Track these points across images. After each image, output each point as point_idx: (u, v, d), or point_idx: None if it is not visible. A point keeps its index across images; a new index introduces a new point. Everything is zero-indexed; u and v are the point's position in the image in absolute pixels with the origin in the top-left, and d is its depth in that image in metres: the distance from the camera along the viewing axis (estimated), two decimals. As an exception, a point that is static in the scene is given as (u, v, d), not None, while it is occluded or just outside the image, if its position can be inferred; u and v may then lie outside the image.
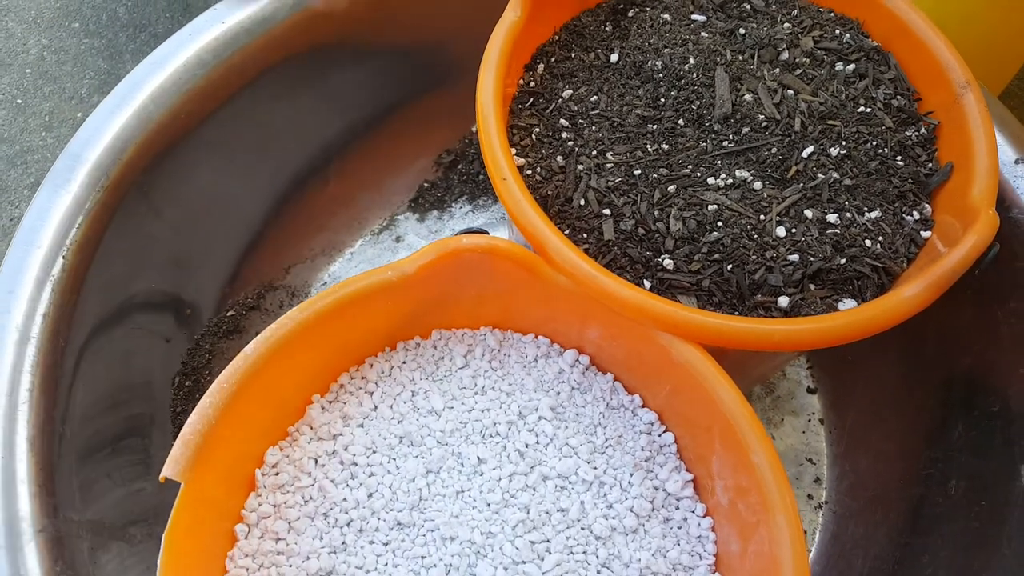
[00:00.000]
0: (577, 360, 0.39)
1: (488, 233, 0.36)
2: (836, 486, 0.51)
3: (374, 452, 0.37)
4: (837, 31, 0.42)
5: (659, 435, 0.37)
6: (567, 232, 0.37)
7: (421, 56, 0.58)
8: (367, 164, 0.61)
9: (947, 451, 0.44)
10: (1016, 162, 0.41)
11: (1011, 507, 0.39)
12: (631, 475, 0.36)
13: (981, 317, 0.42)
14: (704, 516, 0.35)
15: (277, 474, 0.36)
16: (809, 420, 0.54)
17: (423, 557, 0.34)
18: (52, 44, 0.95)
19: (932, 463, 0.45)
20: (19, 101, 0.91)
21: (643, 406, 0.38)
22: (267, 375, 0.35)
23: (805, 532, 0.50)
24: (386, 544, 0.35)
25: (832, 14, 0.43)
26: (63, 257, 0.43)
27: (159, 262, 0.51)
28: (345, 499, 0.35)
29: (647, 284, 0.36)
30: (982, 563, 0.39)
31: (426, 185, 0.63)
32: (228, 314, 0.57)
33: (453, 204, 0.63)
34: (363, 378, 0.39)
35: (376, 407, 0.38)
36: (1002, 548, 0.38)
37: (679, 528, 0.35)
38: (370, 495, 0.36)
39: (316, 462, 0.37)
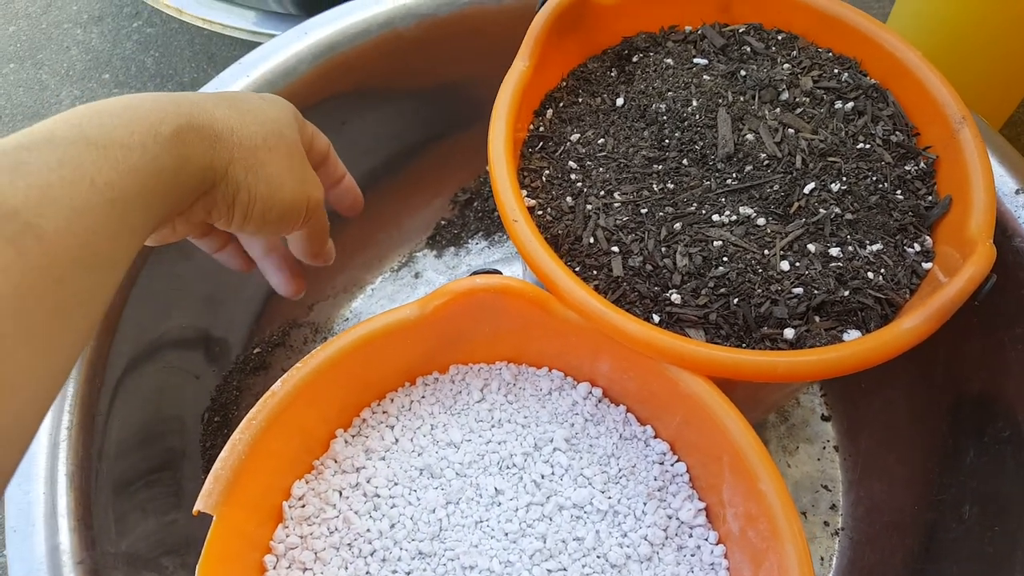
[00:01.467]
0: (590, 393, 0.40)
1: (501, 272, 0.37)
2: (852, 512, 0.52)
3: (396, 484, 0.38)
4: (836, 70, 0.44)
5: (671, 465, 0.38)
6: (577, 269, 0.39)
7: (435, 102, 0.60)
8: (387, 205, 0.63)
9: (960, 476, 0.45)
10: (1017, 192, 0.43)
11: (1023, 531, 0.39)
12: (645, 504, 0.37)
13: (988, 343, 0.43)
14: (717, 544, 0.36)
15: (303, 506, 0.38)
16: (824, 447, 0.55)
17: None
18: (84, 95, 0.99)
19: (945, 488, 0.45)
20: None
21: (655, 437, 0.39)
22: (293, 411, 0.37)
23: (823, 559, 0.50)
24: (408, 573, 0.36)
25: (831, 54, 0.45)
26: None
27: (189, 303, 0.53)
28: (369, 530, 0.37)
29: (656, 319, 0.37)
30: None
31: (443, 223, 0.65)
32: (255, 351, 0.59)
33: (469, 240, 0.65)
34: (384, 412, 0.41)
35: (397, 440, 0.40)
36: (1015, 572, 0.39)
37: (692, 555, 0.36)
38: (392, 526, 0.37)
39: (340, 494, 0.38)
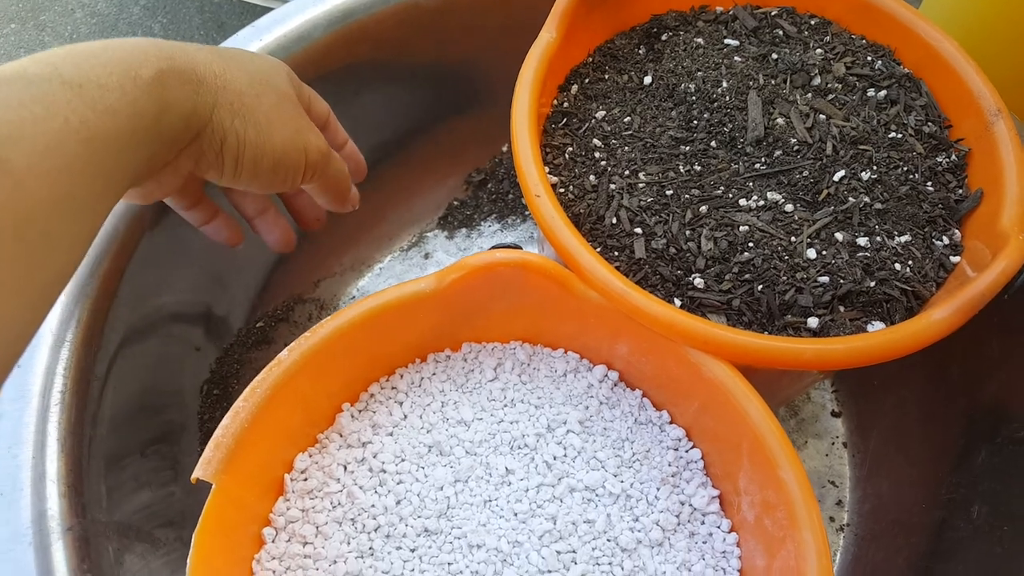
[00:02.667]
0: (606, 376, 0.40)
1: (521, 248, 0.37)
2: (858, 509, 0.52)
3: (403, 460, 0.38)
4: (869, 58, 0.43)
5: (686, 451, 0.38)
6: (599, 250, 0.38)
7: (452, 78, 0.60)
8: (398, 182, 0.62)
9: (970, 476, 0.44)
10: None
11: None
12: (658, 489, 0.37)
13: (1006, 344, 0.43)
14: (729, 532, 0.36)
15: (306, 480, 0.37)
16: (833, 443, 0.54)
17: (450, 564, 0.35)
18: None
19: (955, 488, 0.45)
20: None
21: (671, 422, 0.39)
22: (299, 382, 0.36)
23: None
24: (413, 550, 0.36)
25: (864, 41, 0.44)
26: (100, 264, 0.45)
27: (191, 271, 0.52)
28: (373, 505, 0.36)
29: (677, 302, 0.37)
30: None
31: (455, 203, 0.64)
32: (257, 325, 0.58)
33: (482, 223, 0.64)
34: (393, 388, 0.40)
35: (406, 416, 0.39)
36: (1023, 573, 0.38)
37: (704, 543, 0.36)
38: (398, 502, 0.37)
39: (345, 468, 0.38)
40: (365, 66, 0.56)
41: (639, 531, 0.36)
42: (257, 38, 0.51)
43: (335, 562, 0.35)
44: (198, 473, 0.32)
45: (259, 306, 0.59)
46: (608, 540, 0.35)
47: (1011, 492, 0.41)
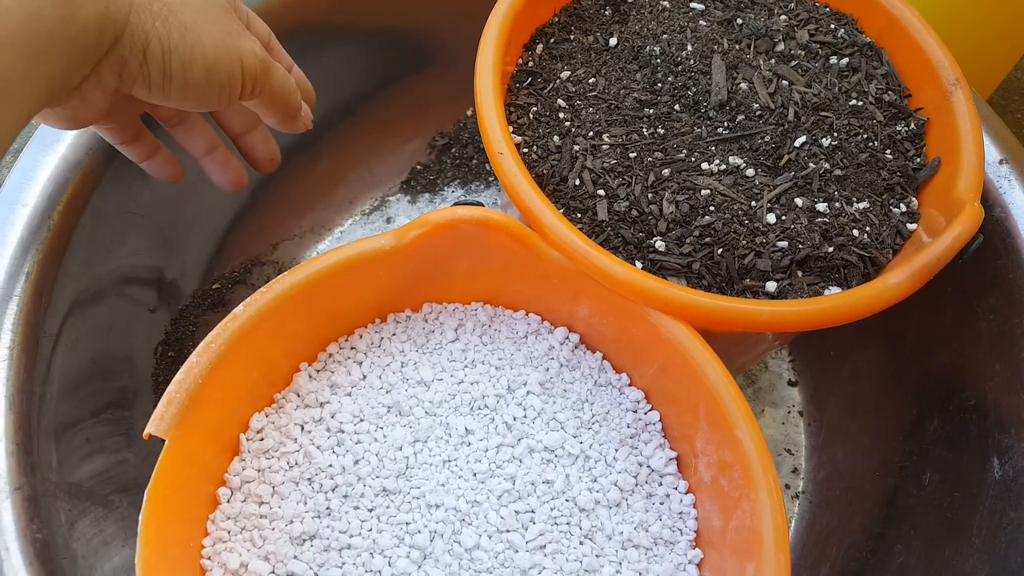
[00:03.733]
0: (567, 338, 0.40)
1: (484, 205, 0.36)
2: (813, 477, 0.52)
3: (361, 420, 0.37)
4: (832, 25, 0.43)
5: (645, 413, 0.38)
6: (562, 211, 0.38)
7: (415, 36, 0.58)
8: (359, 143, 0.61)
9: (922, 444, 0.45)
10: (1000, 162, 0.43)
11: (982, 498, 0.40)
12: (616, 451, 0.37)
13: (961, 314, 0.44)
14: (686, 493, 0.36)
15: (262, 439, 0.37)
16: (789, 412, 0.55)
17: (408, 523, 0.35)
18: None
19: (908, 456, 0.46)
20: None
21: (630, 385, 0.39)
22: (255, 339, 0.35)
23: None
24: (371, 510, 0.35)
25: (828, 9, 0.44)
26: (50, 217, 0.43)
27: (146, 230, 0.51)
28: (331, 465, 0.36)
29: (639, 265, 0.37)
30: (952, 551, 0.40)
31: (419, 167, 0.64)
32: (213, 287, 0.57)
33: (445, 188, 0.63)
34: (352, 348, 0.40)
35: (365, 376, 0.39)
36: (972, 537, 0.39)
37: (661, 504, 0.36)
38: (356, 462, 0.36)
39: (302, 428, 0.37)
40: (325, 22, 0.54)
41: (597, 491, 0.36)
42: None
43: (291, 522, 0.35)
44: (150, 429, 0.31)
45: (215, 268, 0.58)
46: (566, 500, 0.35)
47: (961, 460, 0.42)
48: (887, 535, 0.45)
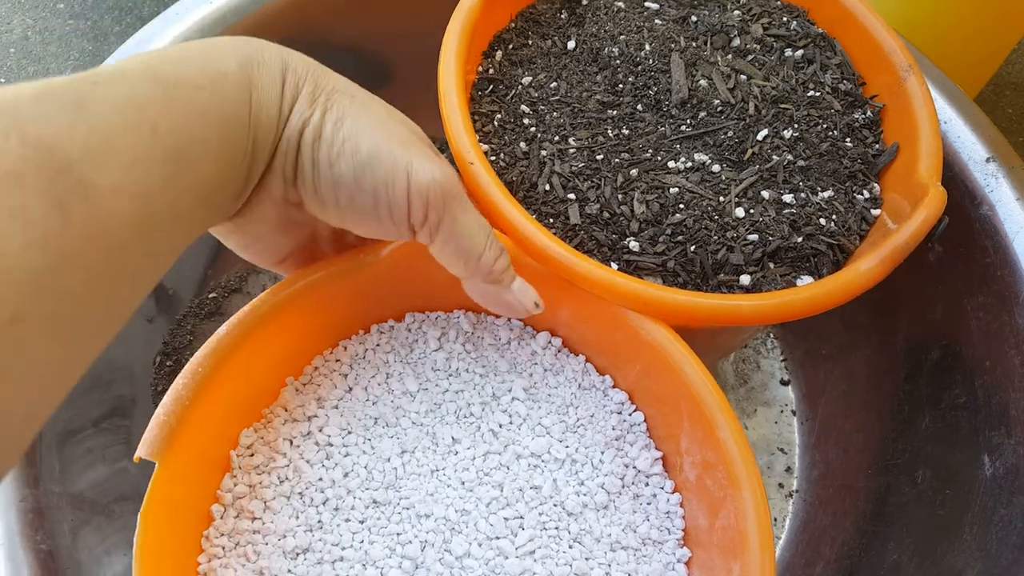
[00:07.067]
0: (550, 342, 0.37)
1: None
2: (807, 475, 0.50)
3: (349, 433, 0.35)
4: (784, 18, 0.40)
5: (629, 414, 0.35)
6: (534, 217, 0.35)
7: (374, 52, 0.54)
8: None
9: (914, 442, 0.43)
10: (987, 160, 0.40)
11: (973, 495, 0.39)
12: (602, 453, 0.34)
13: (950, 312, 0.42)
14: (673, 492, 0.34)
15: (252, 455, 0.34)
16: (782, 411, 0.52)
17: (399, 534, 0.32)
18: (36, 24, 0.88)
19: (900, 453, 0.44)
20: (2, 80, 0.84)
21: (614, 386, 0.36)
22: (240, 357, 0.33)
23: (776, 520, 0.48)
24: (362, 522, 0.33)
25: (779, 2, 0.42)
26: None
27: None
28: (320, 479, 0.34)
29: (614, 266, 0.34)
30: (944, 549, 0.39)
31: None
32: (210, 296, 0.54)
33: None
34: (337, 361, 0.37)
35: (351, 389, 0.36)
36: (964, 535, 0.38)
37: (648, 504, 0.34)
38: (346, 474, 0.34)
39: (291, 443, 0.34)
40: (317, 33, 0.51)
41: (585, 495, 0.33)
42: (208, 1, 0.45)
43: (284, 536, 0.33)
44: (140, 453, 0.30)
45: (212, 277, 0.55)
46: (554, 505, 0.33)
47: (953, 457, 0.41)
48: (880, 533, 0.43)
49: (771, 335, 0.56)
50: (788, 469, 0.51)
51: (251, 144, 0.25)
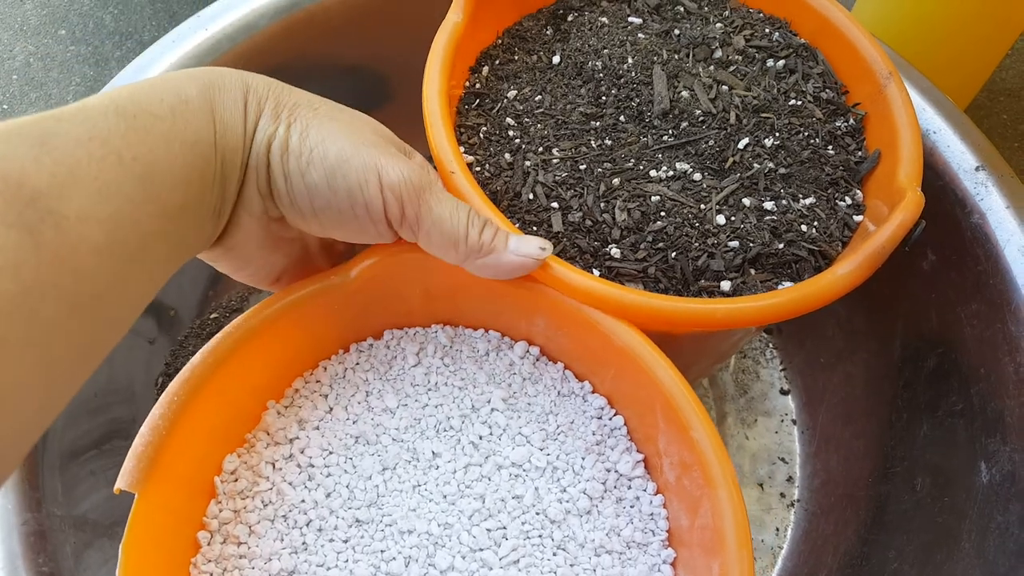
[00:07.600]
0: (527, 352, 0.36)
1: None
2: (808, 485, 0.49)
3: (330, 453, 0.34)
4: (767, 30, 0.40)
5: (609, 418, 0.35)
6: (518, 225, 0.35)
7: (374, 70, 0.55)
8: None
9: (913, 449, 0.43)
10: (977, 169, 0.40)
11: (971, 502, 0.38)
12: (583, 459, 0.34)
13: (945, 320, 0.42)
14: (655, 494, 0.33)
15: (236, 480, 0.34)
16: (782, 420, 0.51)
17: (382, 551, 0.32)
18: (38, 51, 0.90)
19: (899, 461, 0.43)
20: (4, 107, 0.86)
21: (593, 392, 0.36)
22: (218, 383, 0.33)
23: (778, 530, 0.47)
24: (346, 541, 0.32)
25: (761, 14, 0.42)
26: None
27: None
28: (303, 500, 0.33)
29: (596, 273, 0.34)
30: (944, 556, 0.38)
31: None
32: (212, 316, 0.54)
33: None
34: (317, 381, 0.37)
35: (331, 409, 0.36)
36: (962, 542, 0.37)
37: (631, 507, 0.33)
38: (328, 495, 0.33)
39: (273, 466, 0.34)
40: (317, 55, 0.51)
41: (567, 501, 0.33)
42: (203, 28, 0.47)
43: (270, 560, 0.32)
44: (119, 484, 0.29)
45: (213, 298, 0.56)
46: (537, 513, 0.32)
47: (950, 465, 0.40)
48: (881, 541, 0.42)
49: (770, 344, 0.55)
50: (789, 479, 0.50)
51: (219, 165, 0.25)
